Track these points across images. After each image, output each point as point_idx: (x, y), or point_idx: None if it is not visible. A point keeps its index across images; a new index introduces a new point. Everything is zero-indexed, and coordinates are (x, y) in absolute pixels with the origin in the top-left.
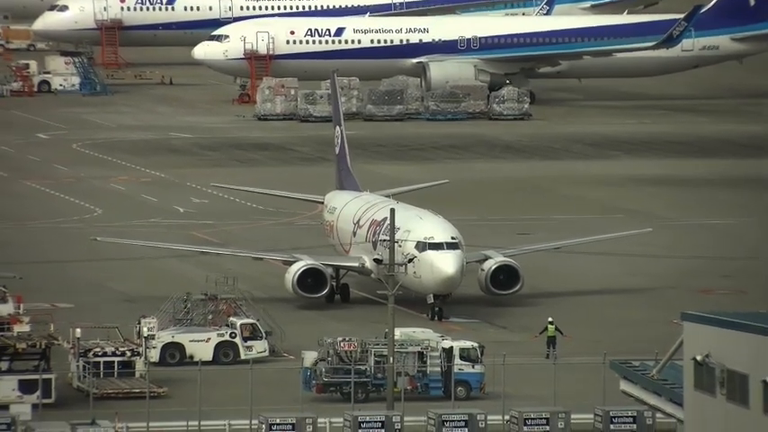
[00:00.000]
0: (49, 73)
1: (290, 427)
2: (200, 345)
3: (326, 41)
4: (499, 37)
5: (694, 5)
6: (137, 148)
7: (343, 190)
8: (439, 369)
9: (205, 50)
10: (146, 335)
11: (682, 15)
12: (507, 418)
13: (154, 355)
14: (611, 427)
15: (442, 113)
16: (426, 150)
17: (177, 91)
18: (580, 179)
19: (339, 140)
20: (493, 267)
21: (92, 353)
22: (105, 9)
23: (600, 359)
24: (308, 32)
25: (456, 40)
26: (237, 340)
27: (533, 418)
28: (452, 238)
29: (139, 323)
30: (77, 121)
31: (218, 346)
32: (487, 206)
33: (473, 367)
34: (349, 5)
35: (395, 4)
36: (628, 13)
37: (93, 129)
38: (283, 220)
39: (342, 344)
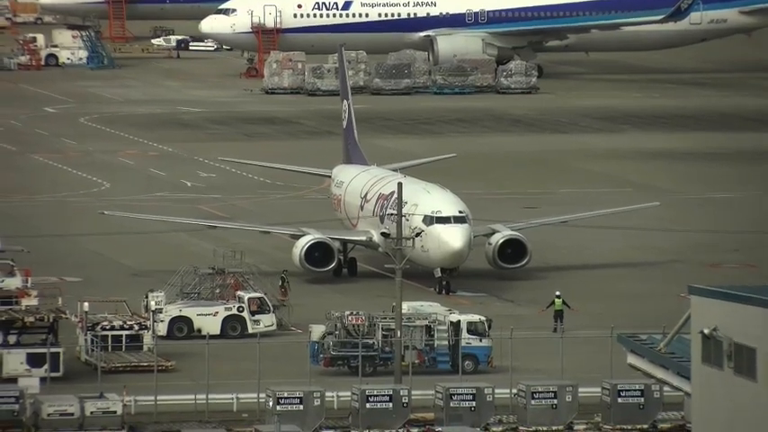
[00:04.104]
0: (56, 47)
1: (298, 400)
2: (208, 318)
3: (334, 15)
4: (507, 10)
5: None
6: (144, 121)
7: (350, 164)
8: (446, 343)
9: (212, 24)
10: (153, 309)
11: None
12: (515, 391)
13: (161, 328)
14: (619, 400)
15: (449, 87)
16: (433, 124)
17: (184, 64)
18: (588, 153)
19: (346, 114)
20: (500, 241)
21: (100, 326)
22: None
23: (607, 333)
24: (316, 6)
25: (464, 14)
26: (245, 314)
27: (541, 392)
28: (460, 212)
29: (147, 297)
30: (85, 94)
31: (226, 320)
32: (495, 180)
33: (480, 341)
34: None
35: None
36: None
37: (100, 103)
38: (291, 194)
39: (349, 318)
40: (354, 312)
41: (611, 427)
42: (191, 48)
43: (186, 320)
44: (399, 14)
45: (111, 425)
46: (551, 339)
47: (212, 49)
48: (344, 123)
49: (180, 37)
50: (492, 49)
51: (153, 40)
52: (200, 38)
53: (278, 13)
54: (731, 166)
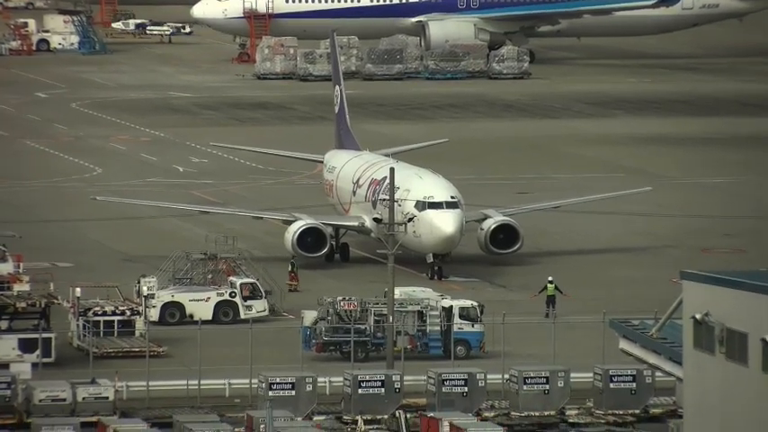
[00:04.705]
0: (47, 32)
1: (290, 386)
2: (200, 304)
3: (326, 0)
4: None
5: None
6: (136, 107)
7: (342, 149)
8: (438, 328)
9: (204, 9)
10: (145, 294)
11: None
12: (507, 376)
13: (153, 314)
14: (611, 385)
15: (441, 72)
16: (426, 109)
17: (176, 50)
18: (580, 138)
19: (338, 99)
20: (492, 226)
21: (91, 312)
22: None
23: (599, 318)
24: None
25: None
26: (237, 299)
27: (533, 377)
28: (452, 197)
29: (139, 282)
30: (76, 80)
31: (218, 306)
32: (487, 165)
33: (473, 326)
34: None
35: None
36: None
37: (92, 88)
38: (283, 180)
39: (342, 303)
40: (347, 298)
41: (603, 412)
42: (147, 32)
43: (178, 306)
44: (391, 0)
45: (103, 410)
46: (543, 325)
47: (168, 33)
48: (336, 109)
49: (139, 21)
50: (484, 34)
51: (113, 24)
52: (159, 22)
53: None
54: (723, 151)
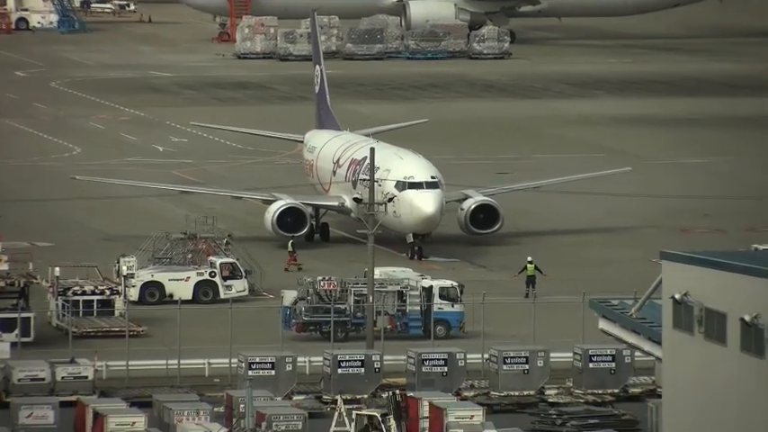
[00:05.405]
0: (26, 10)
1: (270, 365)
2: (180, 284)
3: None
4: None
5: None
6: (116, 86)
7: (322, 129)
8: (418, 308)
9: None
10: (125, 274)
11: None
12: (487, 356)
13: (133, 293)
14: (590, 365)
15: (421, 52)
16: (406, 89)
17: (156, 29)
18: (560, 118)
19: (319, 79)
20: (472, 206)
21: (71, 291)
22: None
23: (579, 298)
24: None
25: None
26: (217, 279)
27: (513, 357)
28: (432, 177)
29: (119, 262)
30: (56, 58)
31: (198, 285)
32: (467, 145)
33: (452, 306)
34: None
35: None
36: None
37: (71, 67)
38: (263, 160)
39: (321, 283)
40: (326, 278)
41: (583, 391)
42: (92, 8)
43: (158, 285)
44: None
45: (83, 390)
46: (523, 305)
47: (110, 11)
48: (317, 88)
49: None
50: (464, 14)
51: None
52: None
53: None
54: (703, 131)
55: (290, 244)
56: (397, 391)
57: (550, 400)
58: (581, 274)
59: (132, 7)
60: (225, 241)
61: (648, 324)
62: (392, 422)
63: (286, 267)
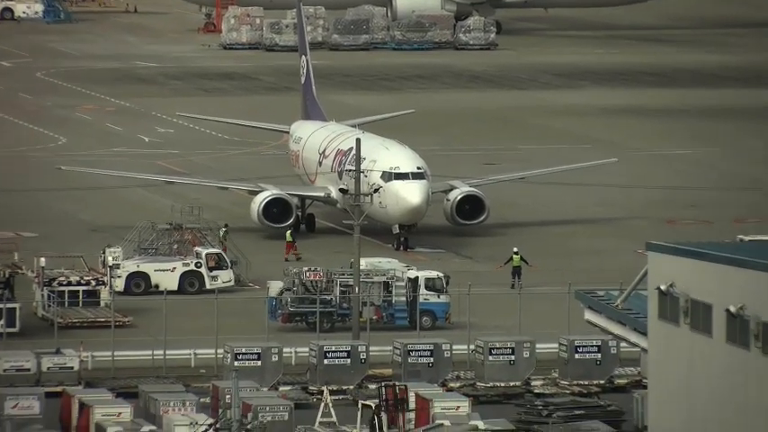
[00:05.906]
0: (12, 0)
1: (256, 356)
2: (166, 274)
3: None
4: None
5: None
6: (102, 76)
7: (308, 120)
8: (404, 299)
9: None
10: (111, 264)
11: None
12: (472, 347)
13: (119, 284)
14: (576, 356)
15: (407, 43)
16: (392, 80)
17: (142, 19)
18: (547, 109)
19: (305, 70)
20: (458, 197)
21: (56, 282)
22: None
23: (565, 289)
24: None
25: None
26: (203, 270)
27: (498, 348)
28: (418, 168)
29: (104, 252)
30: (41, 49)
31: (184, 276)
32: (453, 136)
33: (438, 297)
34: None
35: None
36: None
37: (57, 57)
38: (249, 150)
39: (307, 274)
40: (312, 268)
41: (568, 382)
42: None
43: (144, 276)
44: None
45: (68, 380)
46: (509, 296)
47: (95, 0)
48: (303, 79)
49: None
50: (450, 4)
51: None
52: None
53: None
54: (690, 122)
55: (288, 234)
56: (396, 383)
57: (536, 390)
58: (567, 265)
59: None
60: (223, 232)
61: (634, 315)
62: (383, 415)
63: (286, 257)
